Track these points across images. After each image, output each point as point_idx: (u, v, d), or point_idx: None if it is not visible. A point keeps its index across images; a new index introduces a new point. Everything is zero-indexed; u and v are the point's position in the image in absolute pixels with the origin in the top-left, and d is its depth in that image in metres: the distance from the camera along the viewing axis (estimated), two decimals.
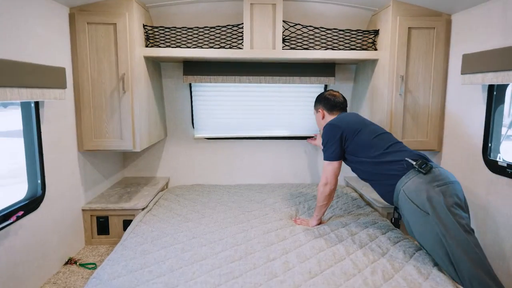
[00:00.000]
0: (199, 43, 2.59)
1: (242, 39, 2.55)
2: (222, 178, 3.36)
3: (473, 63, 1.99)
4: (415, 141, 2.50)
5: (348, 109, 3.28)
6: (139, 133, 2.44)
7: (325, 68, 2.97)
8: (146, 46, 2.56)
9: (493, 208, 2.02)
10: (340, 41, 2.63)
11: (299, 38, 2.61)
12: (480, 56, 1.95)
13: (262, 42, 2.55)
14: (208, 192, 3.06)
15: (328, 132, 2.13)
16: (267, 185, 3.27)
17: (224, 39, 2.60)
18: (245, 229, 2.24)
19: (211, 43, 2.60)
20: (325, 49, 2.61)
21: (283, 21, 2.53)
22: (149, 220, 2.37)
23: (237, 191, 3.10)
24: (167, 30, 2.57)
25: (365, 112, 2.86)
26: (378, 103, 2.60)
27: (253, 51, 2.54)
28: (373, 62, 2.69)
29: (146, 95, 2.60)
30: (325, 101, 2.30)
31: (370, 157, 2.00)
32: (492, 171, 2.01)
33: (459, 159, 2.35)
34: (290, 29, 2.61)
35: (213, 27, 2.59)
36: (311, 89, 3.19)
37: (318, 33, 2.61)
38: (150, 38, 2.59)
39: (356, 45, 2.65)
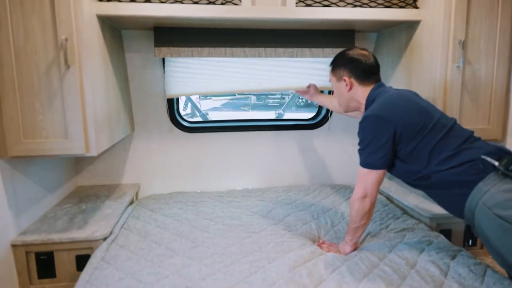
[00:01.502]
0: None
1: None
2: (209, 182, 2.62)
3: None
4: (475, 129, 1.87)
5: None
6: (95, 129, 1.65)
7: (342, 37, 2.28)
8: (100, 0, 1.75)
9: None
10: None
11: None
12: None
13: None
14: (193, 203, 2.31)
15: (373, 127, 1.43)
16: (269, 190, 2.57)
17: None
18: (260, 265, 1.53)
19: None
20: (353, 6, 1.92)
21: None
22: (116, 256, 1.60)
23: (232, 200, 2.38)
24: None
25: None
26: (423, 79, 1.96)
27: (255, 9, 1.81)
28: (411, 25, 2.03)
29: (103, 72, 1.79)
30: (353, 64, 1.57)
31: (436, 163, 1.36)
32: None
33: None
34: None
35: None
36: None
37: None
38: None
39: (393, 0, 1.98)
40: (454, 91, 1.83)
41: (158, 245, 1.73)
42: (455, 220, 2.04)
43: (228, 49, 2.16)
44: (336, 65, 1.64)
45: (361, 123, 1.48)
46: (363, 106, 1.60)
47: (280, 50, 2.22)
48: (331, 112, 2.66)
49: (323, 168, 2.75)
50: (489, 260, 2.04)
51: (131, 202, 2.33)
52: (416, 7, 1.98)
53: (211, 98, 12.89)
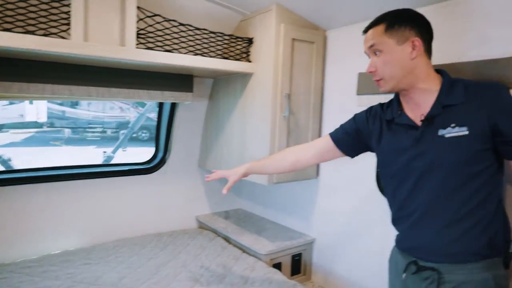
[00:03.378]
0: None
1: (69, 24, 1.56)
2: (17, 248, 2.09)
3: (374, 83, 1.79)
4: (297, 172, 2.15)
5: (203, 132, 2.70)
6: None
7: (182, 81, 2.27)
8: None
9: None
10: (205, 47, 2.02)
11: (158, 36, 1.83)
12: None
13: (104, 33, 1.64)
14: None
15: None
16: (97, 248, 2.24)
17: (34, 19, 1.52)
18: None
19: (7, 22, 1.47)
20: (194, 54, 1.94)
21: (138, 7, 1.71)
22: None
23: (47, 269, 1.94)
24: None
25: (233, 135, 2.34)
26: (256, 125, 2.12)
27: (88, 46, 1.59)
28: (245, 76, 2.20)
29: None
30: (424, 25, 1.18)
31: None
32: None
33: (342, 186, 2.15)
34: (146, 20, 1.79)
35: None
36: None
37: (185, 31, 1.91)
38: None
39: (224, 53, 2.10)
40: (281, 138, 2.05)
41: None
42: (283, 253, 2.25)
43: (49, 86, 1.82)
44: (398, 21, 1.16)
45: (506, 92, 1.11)
46: (418, 87, 1.18)
47: (115, 90, 2.02)
48: (168, 154, 2.58)
49: (160, 216, 2.60)
50: (310, 285, 2.32)
51: None
52: (249, 61, 2.16)
53: (8, 131, 10.70)
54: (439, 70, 1.20)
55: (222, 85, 2.45)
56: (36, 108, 10.77)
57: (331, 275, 2.24)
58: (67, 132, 11.10)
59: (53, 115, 11.10)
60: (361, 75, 1.86)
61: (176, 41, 1.88)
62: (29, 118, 10.64)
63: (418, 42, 1.14)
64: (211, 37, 2.03)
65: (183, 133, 2.61)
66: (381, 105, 1.35)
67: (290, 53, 2.03)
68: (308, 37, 2.08)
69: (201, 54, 1.97)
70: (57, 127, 11.12)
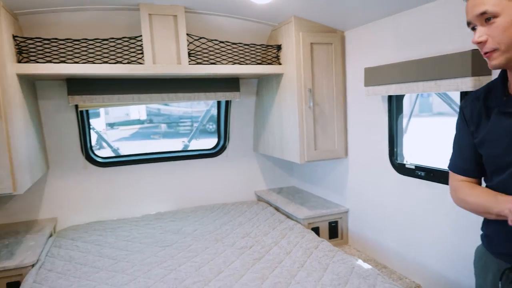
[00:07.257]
0: (90, 57, 2.21)
1: (142, 53, 2.28)
2: (125, 210, 2.95)
3: (376, 76, 2.17)
4: (326, 151, 2.61)
5: (254, 122, 3.30)
6: (21, 171, 1.93)
7: (230, 83, 2.89)
8: (19, 61, 2.06)
9: (402, 206, 2.21)
10: (247, 55, 2.59)
11: (204, 53, 2.47)
12: (382, 69, 2.12)
13: (165, 57, 2.32)
14: (111, 229, 2.63)
15: None
16: (180, 211, 3.00)
17: (120, 53, 2.27)
18: (172, 269, 1.97)
19: (104, 57, 2.24)
20: (232, 64, 2.53)
21: (187, 34, 2.36)
22: (46, 278, 1.89)
23: (147, 223, 2.75)
24: (46, 42, 2.12)
25: (274, 123, 2.88)
26: (288, 115, 2.64)
27: (156, 67, 2.29)
28: (278, 76, 2.72)
29: (23, 123, 2.08)
30: None
31: None
32: (400, 173, 2.22)
33: (365, 164, 2.53)
34: (194, 42, 2.44)
35: (106, 40, 2.24)
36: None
37: (224, 47, 2.51)
38: (24, 52, 2.09)
39: (262, 59, 2.65)
40: (308, 124, 2.53)
41: (83, 265, 2.05)
42: (319, 219, 2.73)
43: (136, 96, 2.60)
44: None
45: None
46: None
47: (180, 95, 2.73)
48: (228, 142, 3.24)
49: (224, 189, 3.28)
50: (347, 248, 2.75)
51: (50, 235, 2.54)
52: (280, 64, 2.67)
53: (118, 128, 12.69)
54: None
55: (264, 84, 3.00)
56: (138, 108, 12.56)
57: (365, 239, 2.64)
58: (163, 127, 12.73)
59: (151, 113, 12.86)
60: (366, 70, 2.24)
61: (218, 54, 2.49)
62: (133, 116, 12.51)
63: None
64: (246, 48, 2.59)
65: (238, 124, 3.25)
66: (485, 90, 1.16)
67: (310, 55, 2.48)
68: (325, 40, 2.51)
69: (239, 63, 2.55)
70: (155, 123, 12.83)
